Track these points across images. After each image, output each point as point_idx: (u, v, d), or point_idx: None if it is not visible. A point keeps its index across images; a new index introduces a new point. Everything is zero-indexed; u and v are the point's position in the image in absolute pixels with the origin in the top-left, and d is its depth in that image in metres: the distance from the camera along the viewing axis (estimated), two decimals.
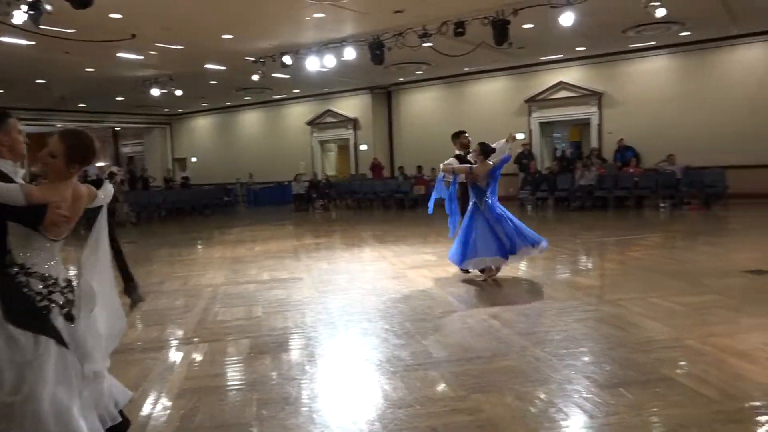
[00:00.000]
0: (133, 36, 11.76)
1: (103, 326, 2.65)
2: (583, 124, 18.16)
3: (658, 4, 9.65)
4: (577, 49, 15.42)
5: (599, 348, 4.18)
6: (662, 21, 11.64)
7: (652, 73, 16.01)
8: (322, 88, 20.26)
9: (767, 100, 14.24)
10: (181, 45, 12.76)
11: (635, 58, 16.06)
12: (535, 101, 17.68)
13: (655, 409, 3.10)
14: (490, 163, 6.50)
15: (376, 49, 12.47)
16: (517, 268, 7.58)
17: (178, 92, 17.12)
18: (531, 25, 11.92)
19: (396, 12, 10.82)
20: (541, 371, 3.73)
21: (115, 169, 3.74)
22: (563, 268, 7.61)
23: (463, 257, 6.47)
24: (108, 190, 2.82)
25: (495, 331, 4.66)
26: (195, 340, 4.84)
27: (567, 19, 10.39)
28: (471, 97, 18.93)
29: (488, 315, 5.12)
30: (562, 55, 16.34)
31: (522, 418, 3.08)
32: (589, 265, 8.12)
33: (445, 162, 6.93)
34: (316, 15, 10.92)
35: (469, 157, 6.80)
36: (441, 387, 3.56)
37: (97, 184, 2.84)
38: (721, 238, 9.50)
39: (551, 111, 17.73)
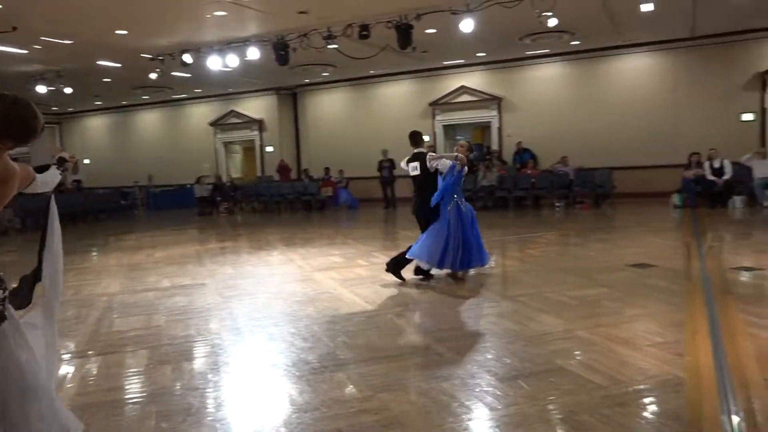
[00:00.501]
0: (14, 28, 10.92)
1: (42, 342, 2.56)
2: (485, 127, 18.86)
3: (550, 14, 10.19)
4: (478, 54, 15.99)
5: (500, 342, 4.35)
6: (554, 30, 12.32)
7: (547, 79, 16.90)
8: (226, 88, 19.75)
9: (649, 106, 15.44)
10: (69, 40, 11.99)
11: (532, 65, 16.88)
12: (438, 104, 18.15)
13: (550, 398, 3.27)
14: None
15: (280, 50, 12.32)
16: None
17: (68, 90, 16.07)
18: (433, 31, 12.23)
19: (300, 13, 10.74)
20: (445, 367, 3.83)
21: (66, 154, 3.14)
22: None
23: (442, 261, 6.45)
24: (52, 176, 2.69)
25: (401, 330, 4.73)
26: (89, 353, 4.56)
27: (467, 25, 10.75)
28: (377, 100, 19.14)
29: (395, 314, 5.19)
30: (463, 60, 16.88)
31: (427, 414, 3.15)
32: (491, 263, 8.43)
33: (433, 155, 6.85)
34: (217, 13, 10.63)
35: (430, 155, 6.79)
36: (347, 388, 3.57)
37: (42, 169, 2.66)
38: (609, 235, 10.17)
39: (454, 114, 18.27)
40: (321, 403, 3.34)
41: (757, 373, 3.48)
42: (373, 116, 18.92)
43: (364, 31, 11.30)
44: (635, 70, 15.89)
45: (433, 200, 6.51)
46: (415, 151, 6.82)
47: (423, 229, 6.66)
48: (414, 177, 6.80)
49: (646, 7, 11.59)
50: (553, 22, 10.57)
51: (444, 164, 6.60)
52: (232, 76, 15.96)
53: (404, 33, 11.14)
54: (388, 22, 11.09)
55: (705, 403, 3.13)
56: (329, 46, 11.98)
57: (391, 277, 6.66)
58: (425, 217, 6.68)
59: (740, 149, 13.04)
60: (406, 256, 6.59)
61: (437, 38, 13.03)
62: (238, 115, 21.07)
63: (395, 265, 6.64)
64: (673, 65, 15.37)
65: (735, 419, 2.92)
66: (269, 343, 4.60)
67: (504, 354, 4.07)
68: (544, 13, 10.17)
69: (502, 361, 3.91)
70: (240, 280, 7.23)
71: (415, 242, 6.60)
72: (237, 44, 12.75)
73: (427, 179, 6.67)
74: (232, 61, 13.01)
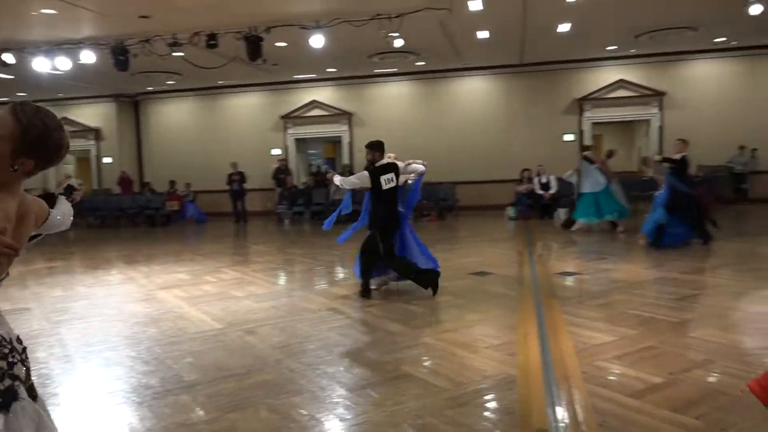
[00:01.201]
0: None
1: None
2: (336, 142, 19.14)
3: (396, 35, 10.66)
4: (329, 70, 16.23)
5: (349, 353, 4.42)
6: (400, 50, 12.90)
7: (395, 97, 17.59)
8: (56, 93, 18.03)
9: (486, 125, 16.69)
10: None
11: (381, 82, 17.48)
12: (290, 118, 18.10)
13: (398, 404, 3.39)
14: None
15: (119, 55, 11.56)
16: (276, 282, 7.67)
17: None
18: (284, 44, 12.21)
19: (141, 17, 10.16)
20: (296, 382, 3.81)
21: (74, 182, 2.36)
22: (319, 279, 7.90)
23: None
24: (64, 212, 2.06)
25: (250, 347, 4.63)
26: None
27: (317, 41, 10.89)
28: (226, 111, 18.62)
29: (243, 331, 5.06)
30: (315, 75, 17.03)
31: (276, 431, 3.11)
32: (342, 275, 8.54)
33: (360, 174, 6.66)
34: (45, 11, 9.71)
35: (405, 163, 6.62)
36: (193, 411, 3.41)
37: (47, 200, 2.05)
38: (452, 246, 10.77)
39: (306, 128, 18.33)
40: (164, 428, 3.16)
41: (577, 367, 3.89)
42: (222, 128, 18.37)
43: (212, 40, 10.97)
44: (474, 92, 17.10)
45: (407, 211, 6.63)
46: (385, 162, 6.49)
47: (392, 245, 6.41)
48: (386, 189, 6.37)
49: (482, 34, 12.56)
50: (399, 43, 11.08)
51: (418, 169, 6.55)
52: (62, 79, 14.64)
53: (254, 45, 11.00)
54: (238, 32, 10.89)
55: (533, 397, 3.43)
56: (174, 54, 11.47)
57: (242, 293, 6.50)
58: (400, 230, 6.54)
59: (563, 166, 14.51)
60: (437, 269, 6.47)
61: (288, 52, 13.03)
62: (71, 122, 19.29)
63: (427, 280, 6.31)
64: (506, 89, 16.79)
65: (558, 409, 3.24)
66: (105, 369, 4.26)
67: (354, 364, 4.14)
68: (390, 34, 10.61)
69: (352, 372, 3.98)
70: (72, 302, 6.62)
71: (417, 257, 6.51)
72: (69, 46, 11.74)
73: (397, 190, 6.49)
74: (63, 63, 11.95)
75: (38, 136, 1.69)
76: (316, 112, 18.02)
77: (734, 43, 14.76)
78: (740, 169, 15.38)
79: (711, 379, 3.64)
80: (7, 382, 1.67)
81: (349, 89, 17.81)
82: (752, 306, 5.36)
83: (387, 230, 6.38)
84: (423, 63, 15.59)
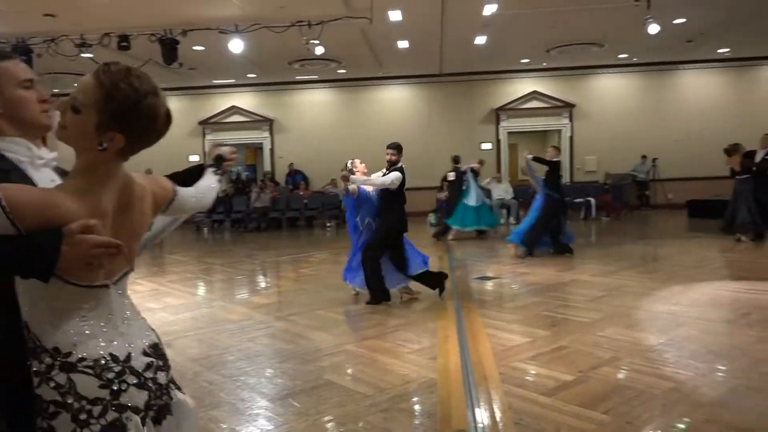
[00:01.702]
0: None
1: None
2: (257, 148, 18.85)
3: (317, 42, 10.65)
4: (249, 75, 15.98)
5: (271, 363, 4.36)
6: (321, 58, 12.89)
7: (317, 104, 17.55)
8: None
9: (407, 133, 16.81)
10: None
11: (303, 89, 17.40)
12: (209, 123, 17.65)
13: (320, 413, 3.37)
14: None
15: (22, 54, 10.85)
16: (194, 293, 7.45)
17: None
18: (202, 48, 11.92)
19: (46, 15, 9.63)
20: (215, 395, 3.71)
21: (226, 150, 2.00)
22: (240, 289, 7.72)
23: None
24: (202, 189, 1.74)
25: None
26: None
27: (236, 46, 10.70)
28: None
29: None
30: (234, 80, 16.71)
31: None
32: (264, 284, 8.41)
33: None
34: None
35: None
36: None
37: (191, 175, 1.74)
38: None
39: (226, 134, 17.91)
40: None
41: (495, 368, 4.01)
42: None
43: (124, 42, 10.55)
44: (395, 100, 17.34)
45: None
46: (401, 165, 6.50)
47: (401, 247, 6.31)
48: (397, 190, 6.35)
49: (402, 44, 12.78)
50: (320, 50, 11.07)
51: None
52: None
53: (169, 48, 10.66)
54: (152, 35, 10.52)
55: (453, 400, 3.50)
56: (83, 55, 10.93)
57: (158, 305, 6.27)
58: None
59: (482, 174, 14.96)
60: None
61: (206, 56, 12.73)
62: None
63: (436, 281, 6.32)
64: (426, 98, 17.14)
65: (477, 410, 3.33)
66: None
67: (275, 374, 4.08)
68: (311, 41, 10.59)
69: (274, 382, 3.93)
70: None
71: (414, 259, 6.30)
72: None
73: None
74: None
75: (124, 102, 1.34)
76: (235, 118, 17.68)
77: (635, 59, 15.79)
78: (643, 178, 16.41)
79: (617, 375, 3.85)
80: (111, 415, 1.33)
81: (270, 95, 17.60)
82: (653, 305, 5.72)
83: (404, 231, 6.39)
84: (345, 71, 15.65)
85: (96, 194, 1.35)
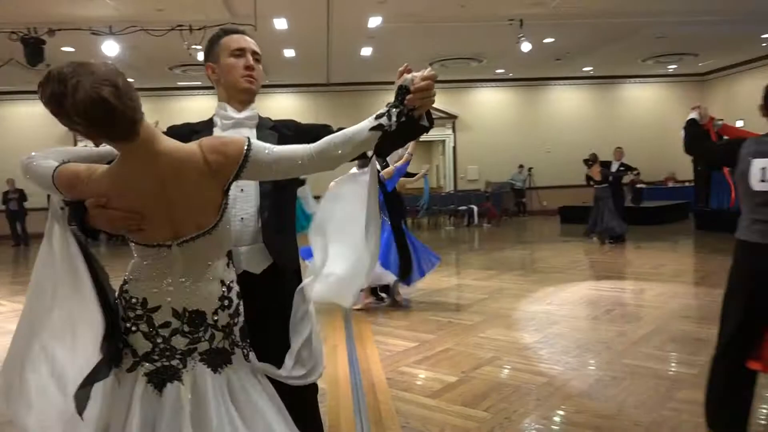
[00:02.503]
0: None
1: None
2: None
3: (199, 47, 10.29)
4: (128, 79, 15.13)
5: None
6: (203, 63, 12.50)
7: (200, 111, 16.43)
8: None
9: None
10: None
11: (185, 95, 16.77)
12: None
13: None
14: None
15: None
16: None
17: None
18: (72, 49, 11.14)
19: None
20: None
21: (416, 75, 1.76)
22: None
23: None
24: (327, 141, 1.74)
25: None
26: None
27: (111, 48, 10.12)
28: (3, 122, 16.42)
29: None
30: None
31: None
32: None
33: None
34: None
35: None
36: None
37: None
38: None
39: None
40: None
41: (382, 374, 4.08)
42: (2, 138, 16.14)
43: None
44: (282, 109, 17.14)
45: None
46: None
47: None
48: None
49: (289, 53, 12.72)
50: (202, 56, 10.68)
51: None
52: None
53: (33, 48, 9.86)
54: (12, 32, 9.69)
55: (342, 408, 3.52)
56: None
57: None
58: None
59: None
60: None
61: (77, 58, 11.54)
62: None
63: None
64: (314, 107, 17.11)
65: (365, 417, 3.37)
66: None
67: None
68: (193, 46, 10.24)
69: None
70: None
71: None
72: None
73: None
74: None
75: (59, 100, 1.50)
76: None
77: (511, 75, 16.78)
78: (520, 186, 17.43)
79: (497, 374, 4.06)
80: (122, 341, 1.63)
81: (150, 101, 16.72)
82: (530, 306, 6.09)
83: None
84: None
85: (119, 175, 1.58)
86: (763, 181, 2.56)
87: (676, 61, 15.70)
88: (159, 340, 1.60)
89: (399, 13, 10.26)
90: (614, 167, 10.88)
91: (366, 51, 12.85)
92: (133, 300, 1.62)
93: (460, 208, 15.69)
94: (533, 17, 10.55)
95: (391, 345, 4.78)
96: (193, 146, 1.61)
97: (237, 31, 2.04)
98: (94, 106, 1.45)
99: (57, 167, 1.62)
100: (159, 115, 16.58)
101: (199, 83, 15.81)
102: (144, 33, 9.88)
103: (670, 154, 17.42)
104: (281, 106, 17.12)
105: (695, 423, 3.05)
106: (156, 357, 1.60)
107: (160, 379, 1.59)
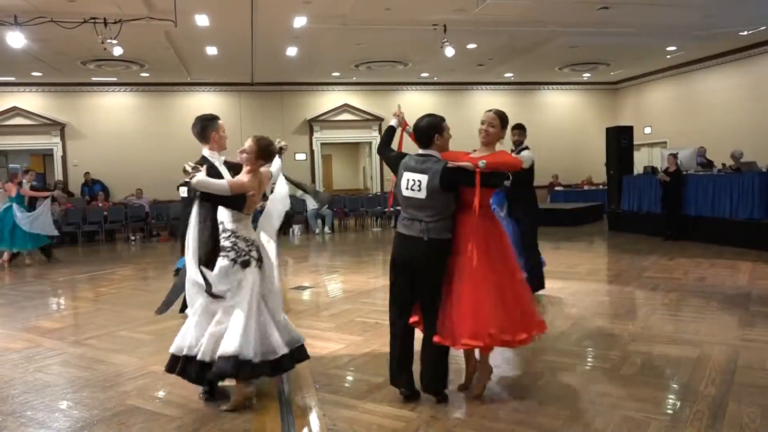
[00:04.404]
0: None
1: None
2: (46, 155, 16.89)
3: (115, 42, 9.85)
4: (34, 74, 14.29)
5: (64, 394, 3.91)
6: (121, 59, 11.99)
7: (116, 108, 16.22)
8: None
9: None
10: None
11: (100, 92, 15.99)
12: None
13: None
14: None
15: None
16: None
17: None
18: None
19: None
20: None
21: (283, 143, 4.17)
22: (25, 313, 6.77)
23: None
24: (278, 164, 3.99)
25: None
26: None
27: (16, 40, 9.49)
28: None
29: None
30: (14, 78, 14.81)
31: None
32: (56, 306, 7.53)
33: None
34: None
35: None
36: None
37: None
38: None
39: (7, 139, 15.77)
40: None
41: (310, 377, 4.05)
42: None
43: None
44: (204, 108, 16.49)
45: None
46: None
47: None
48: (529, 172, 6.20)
49: (211, 51, 12.40)
50: (118, 51, 10.20)
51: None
52: None
53: None
54: None
55: (269, 414, 3.46)
56: None
57: None
58: None
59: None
60: None
61: None
62: None
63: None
64: (237, 106, 16.74)
65: (291, 422, 3.33)
66: None
67: (71, 406, 3.68)
68: (108, 40, 9.77)
69: (68, 415, 3.53)
70: None
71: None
72: None
73: None
74: None
75: (265, 152, 3.85)
76: (18, 120, 15.64)
77: (436, 78, 17.08)
78: None
79: None
80: (248, 256, 3.58)
81: (60, 97, 15.87)
82: None
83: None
84: (148, 74, 14.73)
85: (253, 180, 3.60)
86: (409, 189, 3.45)
87: (590, 69, 16.51)
88: (253, 252, 3.60)
89: (324, 14, 10.22)
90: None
91: (291, 51, 12.72)
92: (246, 238, 3.59)
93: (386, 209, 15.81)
94: (456, 23, 10.79)
95: (318, 348, 4.74)
96: (263, 169, 3.74)
97: (217, 118, 4.04)
98: (272, 155, 3.89)
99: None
100: (72, 112, 15.77)
101: (116, 79, 15.13)
102: (54, 24, 9.33)
103: (587, 158, 18.34)
104: (203, 104, 16.59)
105: (610, 414, 3.21)
106: (255, 257, 3.60)
107: (257, 264, 3.60)
